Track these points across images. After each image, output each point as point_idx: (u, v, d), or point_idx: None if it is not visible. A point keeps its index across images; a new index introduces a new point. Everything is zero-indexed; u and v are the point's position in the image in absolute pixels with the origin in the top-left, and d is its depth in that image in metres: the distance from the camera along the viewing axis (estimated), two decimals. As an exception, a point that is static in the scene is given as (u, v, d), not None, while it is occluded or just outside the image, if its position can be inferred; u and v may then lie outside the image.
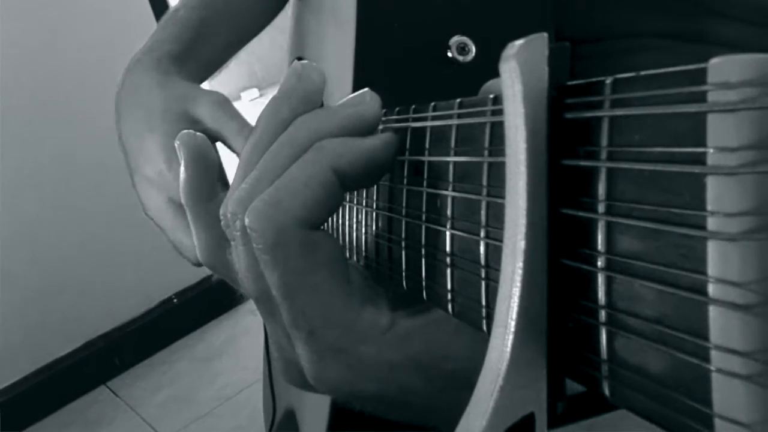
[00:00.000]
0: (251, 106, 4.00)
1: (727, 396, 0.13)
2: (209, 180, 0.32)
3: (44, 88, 1.69)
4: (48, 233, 1.75)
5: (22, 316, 1.73)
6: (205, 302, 1.98)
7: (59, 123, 1.72)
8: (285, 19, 0.72)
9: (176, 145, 0.33)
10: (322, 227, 0.26)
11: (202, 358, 1.93)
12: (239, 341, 1.94)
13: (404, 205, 0.27)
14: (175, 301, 2.00)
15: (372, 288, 0.27)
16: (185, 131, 0.33)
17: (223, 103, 0.54)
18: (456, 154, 0.23)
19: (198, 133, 0.33)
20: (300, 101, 0.27)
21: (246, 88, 4.13)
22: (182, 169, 0.32)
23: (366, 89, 0.27)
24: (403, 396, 0.27)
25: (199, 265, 0.55)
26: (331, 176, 0.25)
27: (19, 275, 1.71)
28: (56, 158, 1.73)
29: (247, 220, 0.24)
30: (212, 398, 1.74)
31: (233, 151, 0.54)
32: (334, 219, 0.35)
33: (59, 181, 1.75)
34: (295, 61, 0.29)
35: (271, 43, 0.76)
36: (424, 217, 0.25)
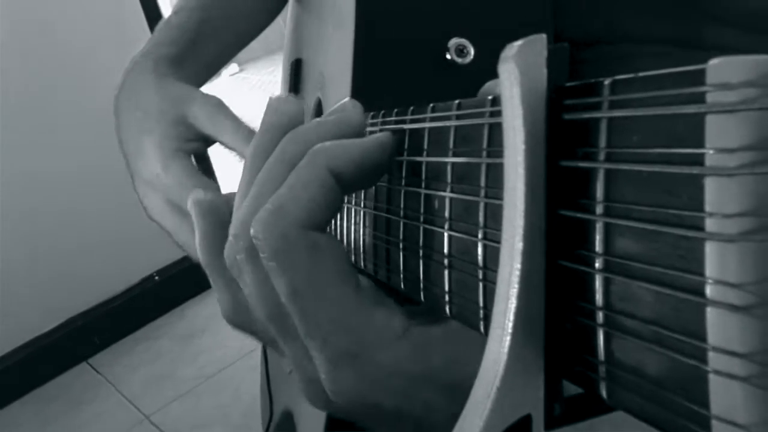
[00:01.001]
0: (231, 81, 4.05)
1: (725, 397, 0.13)
2: (223, 235, 0.32)
3: (35, 83, 1.71)
4: (28, 213, 1.75)
5: (3, 294, 1.74)
6: (187, 280, 1.97)
7: (44, 110, 1.73)
8: (287, 8, 0.72)
9: (189, 204, 0.33)
10: (326, 231, 0.26)
11: (183, 335, 1.93)
12: (221, 319, 1.91)
13: (402, 206, 0.27)
14: (156, 278, 2.00)
15: (381, 292, 0.27)
16: (196, 189, 0.33)
17: (219, 105, 0.54)
18: (454, 156, 0.23)
19: (209, 192, 0.33)
20: (282, 133, 0.28)
21: (225, 63, 4.18)
22: (195, 227, 0.32)
23: (347, 98, 0.28)
24: (428, 414, 0.26)
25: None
26: (328, 177, 0.25)
27: (-1, 253, 1.72)
28: (39, 143, 1.74)
29: (252, 231, 0.24)
30: (194, 376, 1.75)
31: (231, 149, 0.54)
32: (333, 221, 0.35)
33: (41, 162, 1.75)
34: (269, 98, 0.29)
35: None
36: (422, 219, 0.25)
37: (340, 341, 0.24)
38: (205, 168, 1.94)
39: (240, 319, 0.32)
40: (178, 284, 2.00)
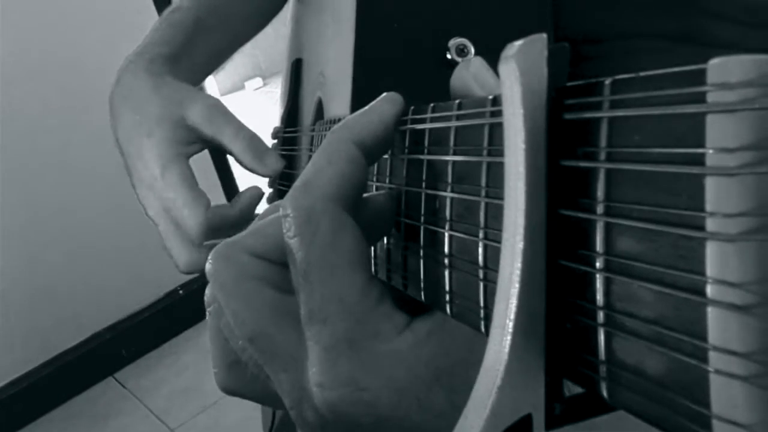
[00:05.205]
0: (255, 95, 4.02)
1: (726, 397, 0.13)
2: None
3: (43, 86, 1.69)
4: (54, 225, 1.75)
5: (29, 309, 1.74)
6: (211, 294, 1.96)
7: (64, 118, 1.73)
8: (288, 9, 0.72)
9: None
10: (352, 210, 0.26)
11: (208, 349, 1.92)
12: (244, 332, 1.96)
13: (403, 206, 0.27)
14: (180, 292, 2.01)
15: (388, 290, 0.27)
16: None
17: (218, 107, 0.54)
18: (455, 155, 0.23)
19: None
20: None
21: (250, 77, 4.17)
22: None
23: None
24: (424, 414, 0.24)
25: (186, 272, 0.56)
26: (354, 149, 0.26)
27: (26, 267, 1.72)
28: (63, 150, 1.74)
29: (281, 210, 0.25)
30: (219, 389, 1.75)
31: (230, 154, 0.54)
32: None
33: (66, 172, 1.76)
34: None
35: (275, 32, 0.76)
36: (422, 219, 0.25)
37: (339, 325, 0.24)
38: (221, 162, 1.95)
39: (235, 384, 0.33)
40: (202, 298, 2.00)
